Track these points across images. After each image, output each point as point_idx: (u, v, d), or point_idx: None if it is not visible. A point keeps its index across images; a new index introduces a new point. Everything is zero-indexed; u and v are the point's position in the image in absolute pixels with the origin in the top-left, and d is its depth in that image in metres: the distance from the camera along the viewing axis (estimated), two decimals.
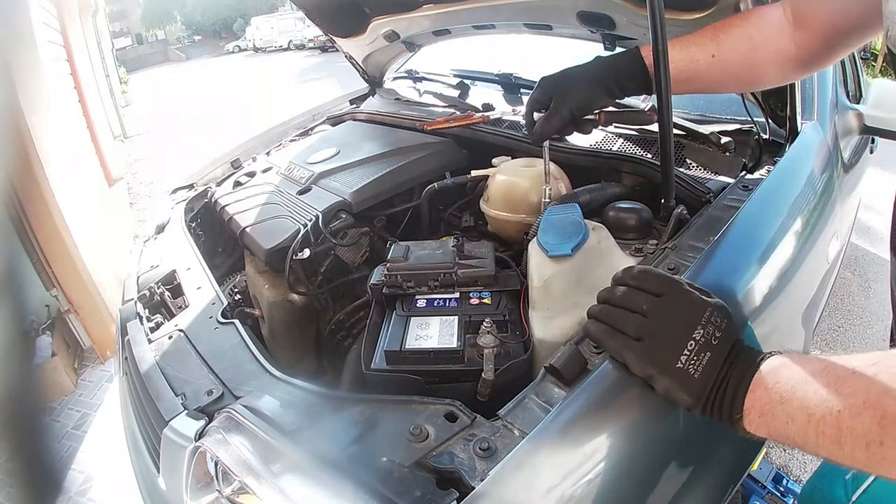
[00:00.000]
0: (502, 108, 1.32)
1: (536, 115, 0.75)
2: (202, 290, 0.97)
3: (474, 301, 0.77)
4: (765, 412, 0.41)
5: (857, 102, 1.39)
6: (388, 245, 0.88)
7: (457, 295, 0.79)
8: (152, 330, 0.91)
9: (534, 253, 0.74)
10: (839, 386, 0.37)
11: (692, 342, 0.45)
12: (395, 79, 1.92)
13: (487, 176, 1.07)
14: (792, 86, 0.88)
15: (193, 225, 1.34)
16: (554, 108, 0.73)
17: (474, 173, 1.10)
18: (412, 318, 0.74)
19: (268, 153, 1.57)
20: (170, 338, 0.85)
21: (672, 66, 0.68)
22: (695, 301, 0.48)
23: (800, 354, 0.43)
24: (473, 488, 0.46)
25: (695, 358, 0.45)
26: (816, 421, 0.37)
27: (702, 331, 0.45)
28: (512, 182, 1.01)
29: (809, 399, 0.38)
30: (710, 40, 0.68)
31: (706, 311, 0.47)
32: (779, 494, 1.13)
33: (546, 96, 0.74)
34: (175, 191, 1.49)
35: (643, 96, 0.90)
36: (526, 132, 0.78)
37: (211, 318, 0.87)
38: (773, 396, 0.41)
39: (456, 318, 0.73)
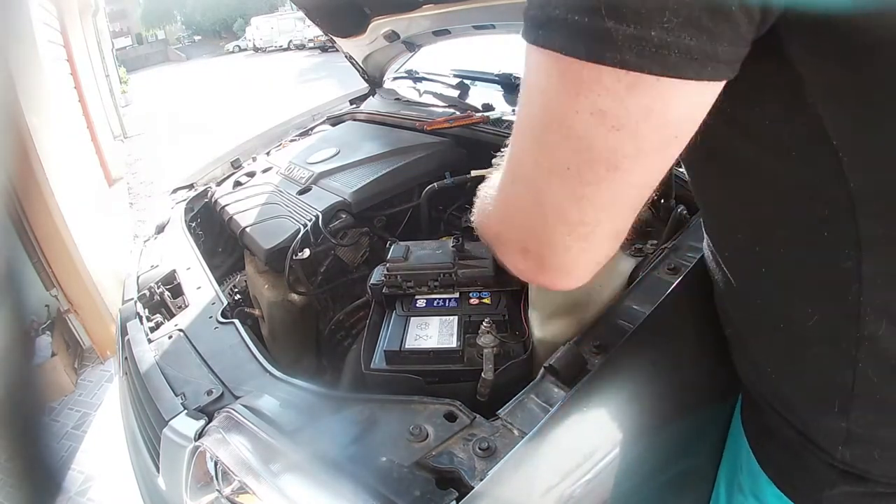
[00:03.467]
0: (502, 108, 1.31)
1: None
2: (202, 289, 0.97)
3: (474, 301, 0.77)
4: None
5: None
6: (387, 245, 0.88)
7: (456, 295, 0.79)
8: (152, 330, 0.91)
9: None
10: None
11: None
12: (395, 79, 1.92)
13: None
14: None
15: (193, 225, 1.34)
16: None
17: (474, 173, 1.10)
18: (412, 318, 0.74)
19: (268, 153, 1.57)
20: (170, 338, 0.85)
21: None
22: None
23: None
24: (473, 488, 0.46)
25: None
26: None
27: None
28: None
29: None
30: None
31: None
32: None
33: None
34: (175, 191, 1.49)
35: None
36: None
37: (211, 317, 0.87)
38: None
39: (456, 318, 0.73)
